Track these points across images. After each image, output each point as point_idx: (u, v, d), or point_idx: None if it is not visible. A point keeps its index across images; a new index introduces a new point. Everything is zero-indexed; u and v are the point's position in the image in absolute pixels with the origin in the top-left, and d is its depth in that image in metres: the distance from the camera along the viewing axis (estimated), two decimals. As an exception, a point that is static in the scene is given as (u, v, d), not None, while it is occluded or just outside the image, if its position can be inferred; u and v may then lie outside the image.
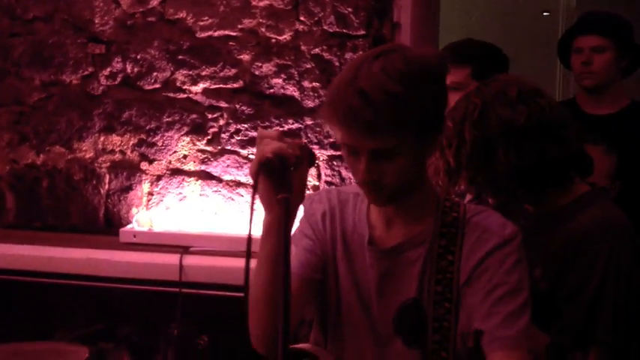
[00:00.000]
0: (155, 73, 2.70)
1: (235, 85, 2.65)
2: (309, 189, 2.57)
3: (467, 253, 1.31)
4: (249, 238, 1.17)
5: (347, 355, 1.38)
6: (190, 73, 2.68)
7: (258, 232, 1.24)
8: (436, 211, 1.34)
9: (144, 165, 2.75)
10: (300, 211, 1.37)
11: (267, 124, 2.63)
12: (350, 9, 2.54)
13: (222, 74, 2.65)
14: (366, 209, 1.39)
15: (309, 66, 2.59)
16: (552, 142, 1.55)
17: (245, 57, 2.63)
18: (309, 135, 2.60)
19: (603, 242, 1.51)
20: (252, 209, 1.17)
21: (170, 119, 2.71)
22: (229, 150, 2.67)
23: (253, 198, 1.18)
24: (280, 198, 1.18)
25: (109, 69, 2.74)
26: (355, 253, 1.38)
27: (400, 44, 1.34)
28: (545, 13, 4.45)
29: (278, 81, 2.61)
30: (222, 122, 2.67)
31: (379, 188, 1.28)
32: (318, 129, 2.59)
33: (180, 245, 2.50)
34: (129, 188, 2.76)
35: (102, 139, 2.77)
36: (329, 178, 2.59)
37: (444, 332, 1.28)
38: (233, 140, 2.66)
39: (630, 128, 2.48)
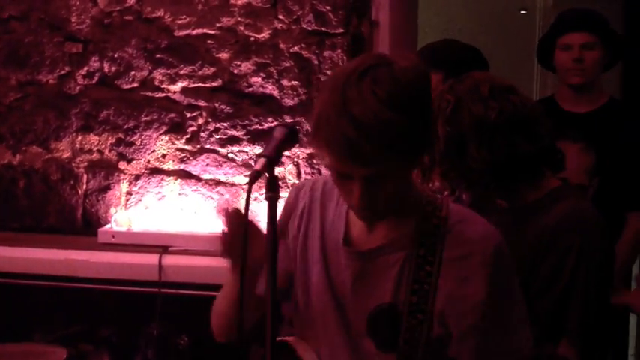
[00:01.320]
0: (133, 72, 2.69)
1: (214, 84, 2.64)
2: (288, 187, 2.58)
3: (447, 267, 1.28)
4: (245, 238, 1.17)
5: (319, 352, 1.38)
6: (168, 72, 2.67)
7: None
8: (418, 214, 1.32)
9: (122, 165, 2.73)
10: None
11: (246, 122, 2.63)
12: (328, 7, 2.55)
13: (200, 73, 2.65)
14: (347, 206, 1.38)
15: (287, 64, 2.59)
16: (523, 137, 1.58)
17: (224, 55, 2.62)
18: (289, 133, 2.60)
19: (574, 236, 1.54)
20: (247, 210, 1.18)
21: (148, 118, 2.70)
22: (208, 149, 2.66)
23: (248, 200, 1.18)
24: (267, 197, 1.18)
25: (86, 68, 2.72)
26: (331, 251, 1.37)
27: (382, 55, 1.30)
28: (522, 12, 4.48)
29: (257, 79, 2.61)
30: (201, 121, 2.66)
31: (373, 211, 1.27)
32: (297, 127, 2.58)
33: (159, 245, 2.48)
34: (107, 188, 2.75)
35: (79, 138, 2.74)
36: (309, 176, 2.59)
37: (414, 343, 1.27)
38: (212, 139, 2.65)
39: (608, 125, 2.51)
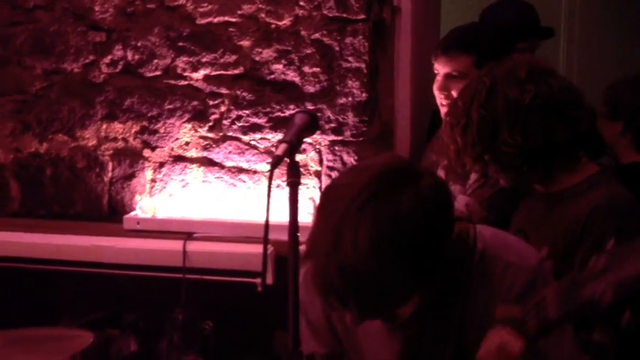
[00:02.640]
0: (156, 61, 2.71)
1: (236, 72, 2.65)
2: (311, 174, 2.59)
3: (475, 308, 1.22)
4: (267, 224, 1.17)
5: None
6: (191, 59, 2.68)
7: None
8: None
9: (146, 152, 2.76)
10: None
11: (268, 109, 2.63)
12: (350, -7, 2.54)
13: (222, 61, 2.66)
14: None
15: (309, 51, 2.58)
16: (559, 121, 1.56)
17: (245, 43, 2.63)
18: (311, 120, 2.60)
19: (610, 222, 1.52)
20: (269, 195, 1.17)
21: (171, 106, 2.72)
22: (231, 136, 2.67)
23: (270, 185, 1.17)
24: (289, 182, 1.19)
25: (109, 57, 2.75)
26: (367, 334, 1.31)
27: (398, 166, 1.14)
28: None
29: (278, 67, 2.61)
30: (223, 109, 2.68)
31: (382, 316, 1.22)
32: (319, 114, 2.59)
33: (183, 231, 2.51)
34: (132, 176, 2.78)
35: (104, 126, 2.78)
36: (330, 163, 2.60)
37: None
38: (235, 127, 2.67)
39: None
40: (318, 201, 1.18)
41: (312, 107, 2.58)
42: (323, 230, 1.09)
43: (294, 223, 1.19)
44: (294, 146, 1.22)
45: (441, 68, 2.16)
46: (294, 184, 1.20)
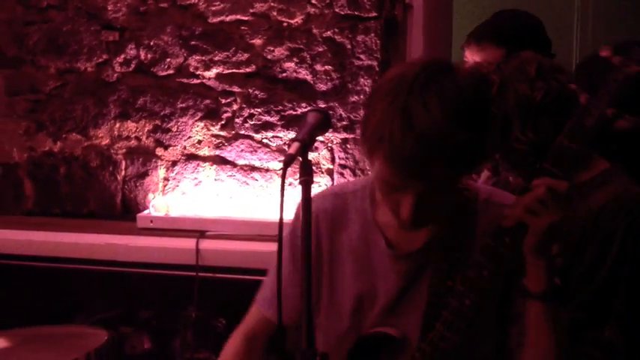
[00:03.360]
0: (168, 59, 2.72)
1: (248, 70, 2.66)
2: (323, 172, 2.59)
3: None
4: (281, 222, 1.16)
5: None
6: (203, 58, 2.69)
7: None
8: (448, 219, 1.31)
9: (159, 151, 2.77)
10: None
11: (280, 107, 2.64)
12: (361, -9, 2.53)
13: (234, 59, 2.66)
14: (371, 211, 1.37)
15: (321, 49, 2.58)
16: (570, 118, 1.55)
17: (257, 41, 2.63)
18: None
19: (621, 219, 1.51)
20: (282, 193, 1.17)
21: (184, 105, 2.73)
22: (243, 135, 2.68)
23: (283, 184, 1.17)
24: (301, 181, 1.19)
25: (122, 56, 2.76)
26: (367, 264, 1.36)
27: (440, 60, 1.23)
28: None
29: (290, 65, 2.61)
30: (235, 107, 2.68)
31: (418, 224, 1.24)
32: (330, 112, 2.59)
33: (196, 230, 2.52)
34: (145, 174, 2.79)
35: (117, 125, 2.79)
36: (342, 161, 2.60)
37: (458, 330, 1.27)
38: (247, 125, 2.67)
39: None
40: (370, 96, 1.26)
41: (324, 105, 2.58)
42: (389, 112, 1.15)
43: (306, 221, 1.19)
44: (306, 145, 1.21)
45: (470, 56, 2.14)
46: (306, 183, 1.19)
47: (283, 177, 1.17)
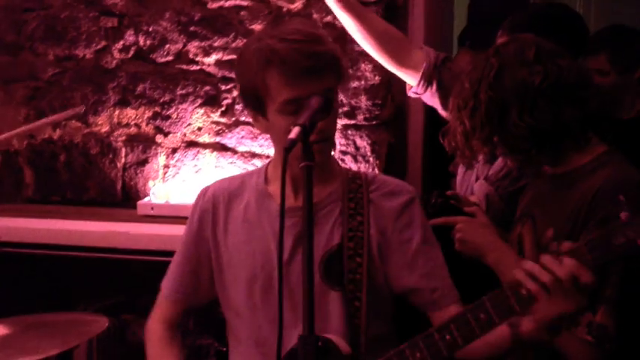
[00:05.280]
0: (167, 46, 2.70)
1: (248, 56, 2.64)
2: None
3: (374, 217, 1.50)
4: (282, 208, 1.18)
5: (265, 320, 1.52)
6: (202, 44, 2.67)
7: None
8: (340, 175, 1.54)
9: (159, 138, 2.76)
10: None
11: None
12: (362, -25, 2.51)
13: (234, 45, 2.64)
14: (264, 184, 1.57)
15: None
16: (568, 102, 1.54)
17: (257, 27, 2.61)
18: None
19: (615, 202, 1.50)
20: (283, 179, 1.18)
21: (184, 91, 2.71)
22: (243, 121, 2.66)
23: (284, 169, 1.18)
24: (303, 166, 1.18)
25: (121, 42, 2.74)
26: (260, 225, 1.53)
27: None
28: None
29: (291, 50, 2.59)
30: (235, 93, 2.67)
31: (326, 140, 1.44)
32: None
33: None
34: (145, 161, 2.78)
35: (117, 112, 2.78)
36: (343, 147, 2.59)
37: (356, 283, 1.46)
38: (247, 111, 2.65)
39: None
40: None
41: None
42: (269, 45, 1.42)
43: (308, 206, 1.18)
44: (307, 129, 1.21)
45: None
46: (308, 168, 1.19)
47: (284, 162, 1.17)
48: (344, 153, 2.58)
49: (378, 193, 1.54)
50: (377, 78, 2.52)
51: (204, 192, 1.64)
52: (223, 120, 2.69)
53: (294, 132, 1.20)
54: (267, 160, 2.66)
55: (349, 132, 2.57)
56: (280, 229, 1.18)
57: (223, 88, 2.68)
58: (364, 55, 2.52)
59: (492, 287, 1.59)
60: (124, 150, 2.80)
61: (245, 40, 2.56)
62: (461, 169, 2.09)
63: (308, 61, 1.38)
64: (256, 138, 2.66)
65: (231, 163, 2.69)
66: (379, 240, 1.50)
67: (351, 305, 1.46)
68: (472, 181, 2.01)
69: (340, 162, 2.56)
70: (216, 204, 1.59)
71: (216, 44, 2.66)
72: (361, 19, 1.99)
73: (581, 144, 1.59)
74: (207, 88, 2.69)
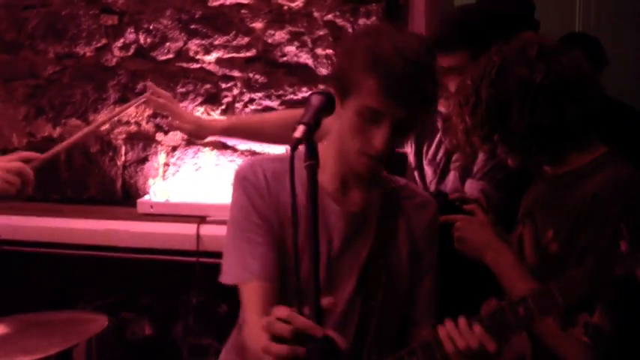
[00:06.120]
0: (168, 44, 2.70)
1: (248, 54, 2.64)
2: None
3: (407, 226, 1.54)
4: (294, 204, 1.16)
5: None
6: (203, 42, 2.67)
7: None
8: (380, 181, 1.54)
9: (159, 136, 2.76)
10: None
11: (280, 92, 2.62)
12: (363, -27, 2.51)
13: (234, 43, 2.64)
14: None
15: (322, 33, 2.56)
16: (570, 100, 1.53)
17: (257, 25, 2.61)
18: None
19: (615, 202, 1.48)
20: (292, 177, 1.16)
21: (184, 89, 2.71)
22: (244, 120, 2.66)
23: (292, 167, 1.16)
24: (307, 165, 1.17)
25: (122, 40, 2.74)
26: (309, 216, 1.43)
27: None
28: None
29: (291, 49, 2.59)
30: (236, 92, 2.66)
31: (379, 159, 1.41)
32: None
33: (196, 215, 2.51)
34: (145, 159, 2.78)
35: (117, 110, 2.77)
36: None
37: (376, 284, 1.49)
38: (247, 109, 2.65)
39: None
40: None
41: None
42: (381, 44, 1.38)
43: (313, 206, 1.16)
44: (311, 128, 1.20)
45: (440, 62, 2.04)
46: (311, 167, 1.17)
47: (291, 161, 1.15)
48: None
49: (410, 203, 1.57)
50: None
51: (251, 170, 1.49)
52: (224, 118, 2.68)
53: (299, 131, 1.18)
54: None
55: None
56: (293, 219, 1.18)
57: (224, 86, 2.67)
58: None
59: (491, 286, 1.60)
60: (124, 148, 2.79)
61: (249, 39, 2.60)
62: (452, 175, 2.07)
63: (410, 89, 1.36)
64: (257, 136, 2.65)
65: (231, 161, 2.68)
66: (409, 248, 1.54)
67: (365, 304, 1.48)
68: (453, 186, 2.00)
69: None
70: (269, 187, 1.47)
71: (216, 42, 2.65)
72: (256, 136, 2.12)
73: (582, 144, 1.59)
74: (208, 86, 2.69)
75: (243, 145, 2.67)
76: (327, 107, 1.27)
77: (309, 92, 1.39)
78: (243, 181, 1.49)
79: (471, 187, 1.93)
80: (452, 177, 2.01)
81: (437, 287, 1.59)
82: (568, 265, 1.49)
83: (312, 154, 1.18)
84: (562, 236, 1.53)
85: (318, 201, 1.35)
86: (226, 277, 1.47)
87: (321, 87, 2.55)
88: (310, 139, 1.19)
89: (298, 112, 2.08)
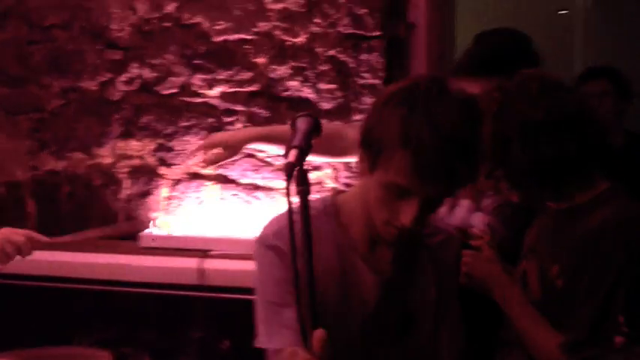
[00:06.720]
0: (172, 78, 2.72)
1: (251, 89, 2.66)
2: (326, 191, 2.57)
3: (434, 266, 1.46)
4: (292, 231, 1.13)
5: None
6: (207, 77, 2.69)
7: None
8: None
9: (162, 170, 2.76)
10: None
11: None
12: (365, 10, 2.54)
13: (238, 78, 2.66)
14: (340, 231, 1.40)
15: (324, 68, 2.59)
16: (570, 136, 1.54)
17: (260, 60, 2.64)
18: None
19: (619, 238, 1.50)
20: (289, 202, 1.14)
21: (187, 123, 2.72)
22: (246, 153, 2.66)
23: (288, 192, 1.14)
24: (298, 191, 1.16)
25: (126, 75, 2.76)
26: (341, 279, 1.39)
27: (436, 74, 1.42)
28: (561, 12, 4.41)
29: (294, 83, 2.61)
30: (238, 126, 2.68)
31: (408, 232, 1.30)
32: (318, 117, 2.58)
33: (199, 249, 2.50)
34: (148, 193, 2.78)
35: (121, 144, 2.79)
36: (347, 180, 2.59)
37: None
38: (250, 143, 2.66)
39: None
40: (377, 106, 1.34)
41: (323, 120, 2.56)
42: (413, 120, 1.23)
43: (307, 232, 1.14)
44: (304, 151, 1.17)
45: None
46: (303, 193, 1.14)
47: (288, 188, 1.14)
48: (347, 186, 2.58)
49: (434, 240, 1.47)
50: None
51: (275, 237, 1.37)
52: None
53: (293, 155, 1.16)
54: (271, 193, 2.68)
55: (353, 165, 2.58)
56: (292, 246, 1.14)
57: (226, 120, 2.69)
58: (367, 88, 2.54)
59: (499, 316, 1.60)
60: (127, 182, 2.80)
61: (252, 73, 2.62)
62: (462, 209, 2.07)
63: (443, 168, 1.23)
64: (259, 170, 2.67)
65: (234, 195, 2.69)
66: (435, 289, 1.46)
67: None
68: (462, 216, 2.00)
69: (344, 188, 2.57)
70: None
71: (220, 77, 2.68)
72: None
73: (584, 180, 1.60)
74: (211, 120, 2.70)
75: (245, 179, 2.67)
76: (314, 129, 1.25)
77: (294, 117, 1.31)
78: (268, 251, 1.37)
79: (478, 219, 1.94)
80: (458, 213, 2.01)
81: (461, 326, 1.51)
82: (574, 301, 1.49)
83: (303, 180, 1.15)
84: (568, 272, 1.53)
85: (348, 258, 1.38)
86: (258, 343, 1.39)
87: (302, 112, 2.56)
88: (301, 165, 1.16)
89: (333, 124, 2.09)
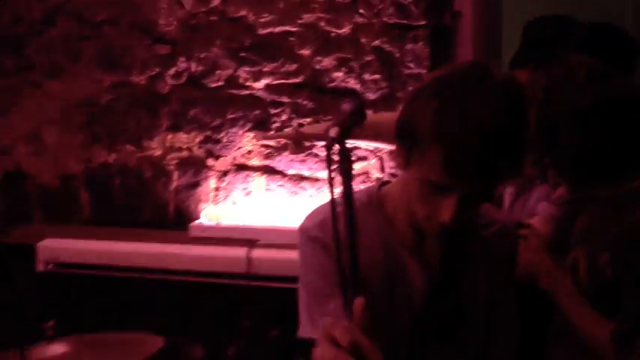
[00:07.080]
0: (218, 71, 2.76)
1: (297, 80, 2.68)
2: (372, 182, 2.59)
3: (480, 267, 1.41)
4: (333, 207, 1.08)
5: None
6: (252, 69, 2.72)
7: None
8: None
9: (210, 161, 2.81)
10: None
11: (328, 117, 2.65)
12: (409, -1, 2.53)
13: (283, 70, 2.69)
14: (387, 227, 1.37)
15: (369, 58, 2.59)
16: (621, 124, 1.52)
17: (305, 52, 2.66)
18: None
19: None
20: (330, 180, 1.08)
21: (234, 116, 2.76)
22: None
23: (330, 168, 1.10)
24: (342, 169, 1.10)
25: (174, 69, 2.81)
26: (388, 274, 1.36)
27: (478, 61, 1.31)
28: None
29: (339, 75, 2.63)
30: (284, 117, 2.70)
31: (455, 227, 1.24)
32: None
33: (247, 239, 2.55)
34: (196, 184, 2.83)
35: (169, 137, 2.84)
36: (393, 170, 2.59)
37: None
38: (296, 135, 2.68)
39: None
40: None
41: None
42: (449, 113, 1.16)
43: (350, 218, 1.08)
44: (345, 130, 1.13)
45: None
46: (346, 171, 1.10)
47: (329, 162, 1.09)
48: (393, 176, 2.58)
49: (489, 232, 1.42)
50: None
51: (318, 228, 1.36)
52: (272, 143, 2.73)
53: (334, 131, 1.12)
54: (317, 184, 2.70)
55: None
56: (333, 220, 1.07)
57: (272, 111, 2.72)
58: (413, 78, 2.54)
59: (547, 309, 1.59)
60: (176, 173, 2.86)
61: (297, 65, 2.64)
62: (508, 196, 2.06)
63: (478, 164, 1.16)
64: (305, 161, 2.69)
65: (280, 185, 2.72)
66: (489, 289, 1.41)
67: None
68: (530, 205, 1.98)
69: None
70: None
71: (265, 69, 2.71)
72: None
73: (632, 167, 1.57)
74: (257, 112, 2.74)
75: (291, 169, 2.70)
76: (358, 112, 1.21)
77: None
78: (311, 243, 1.36)
79: (542, 209, 1.92)
80: (531, 201, 1.98)
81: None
82: (624, 290, 1.47)
83: (346, 158, 1.11)
84: (617, 260, 1.51)
85: (394, 252, 1.34)
86: (301, 332, 1.38)
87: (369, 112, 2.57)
88: (343, 143, 1.12)
89: (387, 113, 2.05)
